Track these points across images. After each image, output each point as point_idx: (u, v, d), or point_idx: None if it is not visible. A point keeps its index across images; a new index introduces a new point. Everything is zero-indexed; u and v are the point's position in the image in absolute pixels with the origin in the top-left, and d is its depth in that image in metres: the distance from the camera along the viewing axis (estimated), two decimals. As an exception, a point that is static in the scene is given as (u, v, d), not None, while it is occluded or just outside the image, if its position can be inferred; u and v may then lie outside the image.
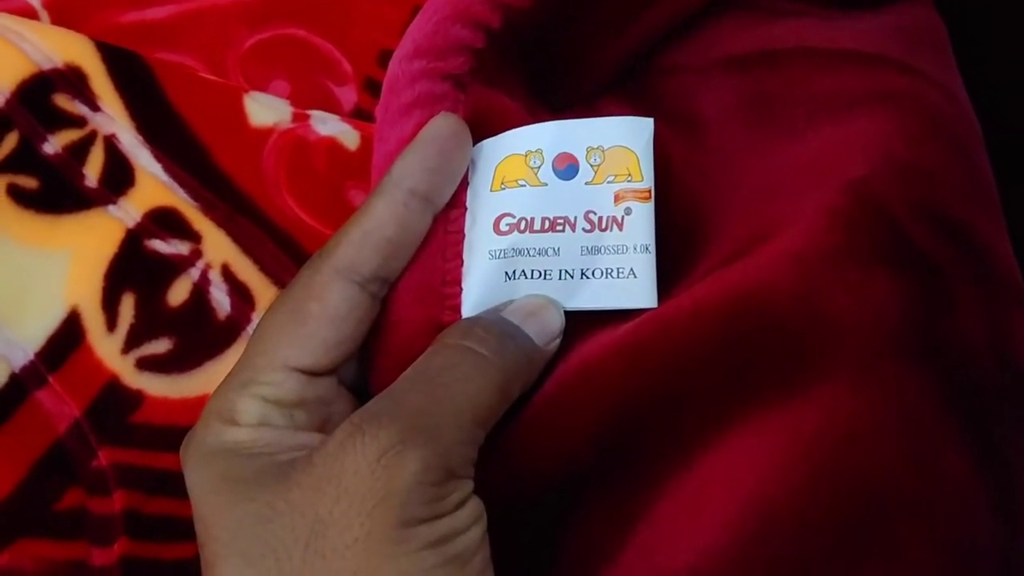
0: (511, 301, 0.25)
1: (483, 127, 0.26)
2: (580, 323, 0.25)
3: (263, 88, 0.37)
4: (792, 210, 0.25)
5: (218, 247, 0.31)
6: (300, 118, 0.35)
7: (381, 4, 0.39)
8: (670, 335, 0.23)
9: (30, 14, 0.35)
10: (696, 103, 0.29)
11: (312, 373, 0.23)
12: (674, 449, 0.23)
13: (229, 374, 0.23)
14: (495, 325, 0.23)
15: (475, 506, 0.21)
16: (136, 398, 0.30)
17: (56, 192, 0.31)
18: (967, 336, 0.25)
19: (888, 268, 0.24)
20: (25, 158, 0.31)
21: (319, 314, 0.23)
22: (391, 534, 0.19)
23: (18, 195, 0.30)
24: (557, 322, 0.24)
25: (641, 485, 0.23)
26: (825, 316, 0.23)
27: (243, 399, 0.22)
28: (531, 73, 0.29)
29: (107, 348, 0.30)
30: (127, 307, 0.30)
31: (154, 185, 0.32)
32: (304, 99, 0.37)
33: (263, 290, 0.32)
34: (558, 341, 0.24)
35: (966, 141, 0.28)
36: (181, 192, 0.32)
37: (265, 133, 0.34)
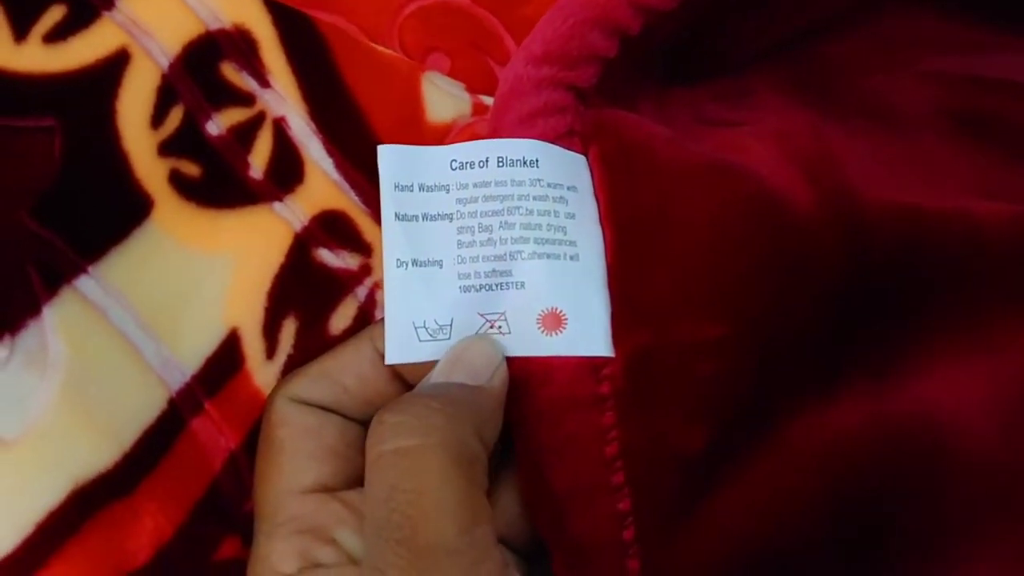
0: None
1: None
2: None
3: (422, 60, 0.33)
4: None
5: (389, 265, 0.28)
6: (479, 110, 0.30)
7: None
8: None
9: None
10: (886, 102, 0.27)
11: (325, 490, 0.22)
12: None
13: (255, 530, 0.22)
14: (413, 404, 0.21)
15: None
16: (289, 431, 0.26)
17: (219, 182, 0.27)
18: None
19: None
20: (189, 139, 0.26)
21: (289, 436, 0.23)
22: None
23: (181, 183, 0.26)
24: (486, 353, 0.22)
25: None
26: None
27: (277, 546, 0.21)
28: (659, 67, 0.27)
29: (264, 376, 0.26)
30: (288, 333, 0.26)
31: (324, 183, 0.28)
32: (463, 76, 0.33)
33: (433, 320, 0.28)
34: (503, 369, 0.22)
35: None
36: (352, 194, 0.28)
37: (443, 131, 0.30)
